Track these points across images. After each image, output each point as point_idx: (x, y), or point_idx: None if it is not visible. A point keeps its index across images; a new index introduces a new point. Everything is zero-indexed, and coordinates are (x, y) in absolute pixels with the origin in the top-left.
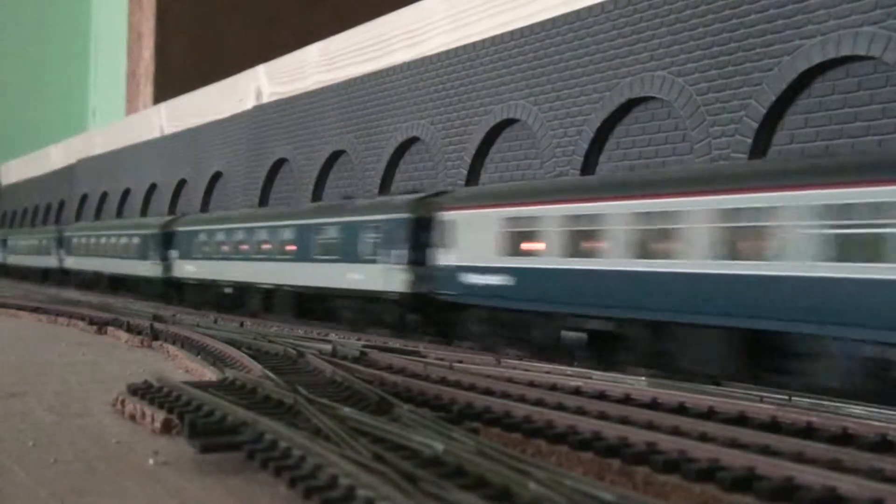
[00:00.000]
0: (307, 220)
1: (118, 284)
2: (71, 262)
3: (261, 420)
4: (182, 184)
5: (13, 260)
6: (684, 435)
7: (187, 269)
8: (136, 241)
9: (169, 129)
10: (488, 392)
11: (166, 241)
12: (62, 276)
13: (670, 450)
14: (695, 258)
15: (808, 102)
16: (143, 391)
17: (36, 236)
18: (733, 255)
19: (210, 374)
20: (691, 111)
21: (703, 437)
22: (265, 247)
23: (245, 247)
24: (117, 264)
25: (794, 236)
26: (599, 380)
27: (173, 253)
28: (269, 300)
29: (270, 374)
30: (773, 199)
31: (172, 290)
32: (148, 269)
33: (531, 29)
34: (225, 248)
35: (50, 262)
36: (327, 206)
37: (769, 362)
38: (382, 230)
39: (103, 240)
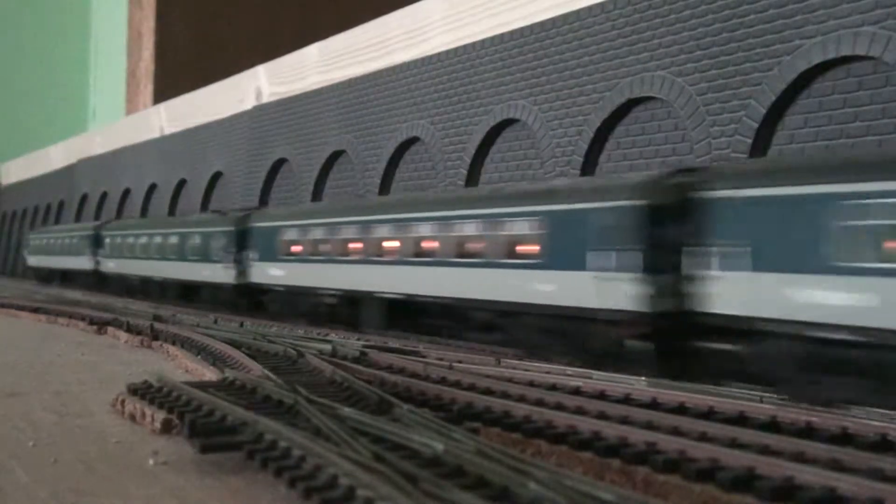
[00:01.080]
0: None
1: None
2: (270, 274)
3: (261, 420)
4: (182, 184)
5: (117, 267)
6: (684, 435)
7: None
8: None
9: (169, 129)
10: (488, 392)
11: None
12: (248, 300)
13: (670, 450)
14: None
15: (808, 102)
16: (143, 391)
17: (182, 231)
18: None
19: (210, 374)
20: (691, 111)
21: (703, 437)
22: None
23: None
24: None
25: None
26: (599, 380)
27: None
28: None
29: (270, 375)
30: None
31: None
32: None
33: (531, 29)
34: None
35: (214, 273)
36: None
37: None
38: None
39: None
